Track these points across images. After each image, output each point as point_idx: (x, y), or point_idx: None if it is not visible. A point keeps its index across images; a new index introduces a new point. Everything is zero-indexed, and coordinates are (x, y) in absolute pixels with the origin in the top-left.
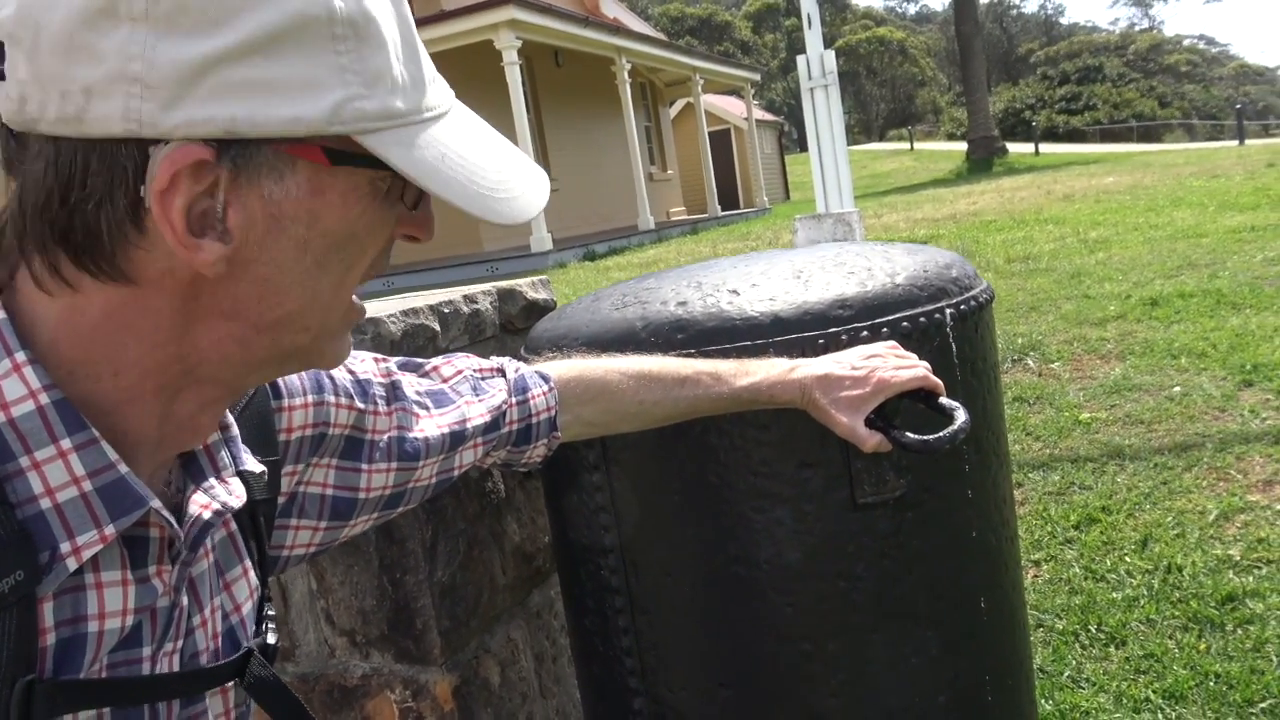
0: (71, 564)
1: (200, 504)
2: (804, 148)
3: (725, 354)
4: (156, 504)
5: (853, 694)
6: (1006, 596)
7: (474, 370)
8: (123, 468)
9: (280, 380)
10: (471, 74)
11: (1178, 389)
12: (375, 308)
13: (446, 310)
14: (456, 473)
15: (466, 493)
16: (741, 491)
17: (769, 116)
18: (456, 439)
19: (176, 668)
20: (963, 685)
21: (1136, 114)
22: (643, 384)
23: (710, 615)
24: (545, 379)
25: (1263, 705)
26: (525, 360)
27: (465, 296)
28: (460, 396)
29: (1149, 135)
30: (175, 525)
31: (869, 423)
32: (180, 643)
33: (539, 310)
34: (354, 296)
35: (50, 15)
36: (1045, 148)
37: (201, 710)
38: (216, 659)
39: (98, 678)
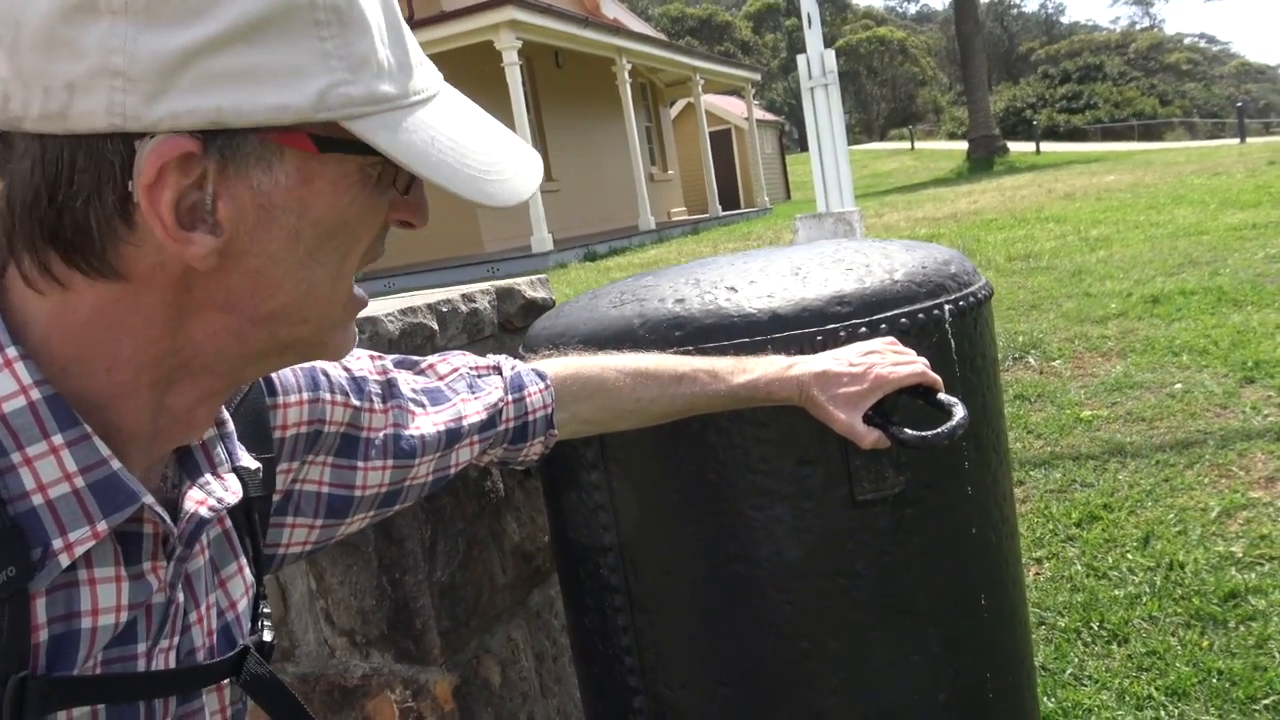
0: (64, 560)
1: (196, 500)
2: (805, 147)
3: (723, 351)
4: (149, 500)
5: (853, 692)
6: (1007, 593)
7: (470, 368)
8: (115, 464)
9: (275, 377)
10: (472, 75)
11: (1179, 386)
12: (373, 307)
13: (444, 309)
14: (453, 470)
15: (466, 492)
16: (741, 489)
17: (770, 116)
18: (452, 436)
19: (172, 664)
20: (963, 683)
21: (1137, 112)
22: (640, 381)
23: (710, 613)
24: (542, 376)
25: (1266, 702)
26: (523, 358)
27: (463, 295)
28: (456, 394)
29: (1150, 134)
30: (169, 521)
31: (867, 419)
32: (176, 639)
33: (537, 309)
34: (355, 286)
35: (30, 12)
36: (1046, 146)
37: (198, 708)
38: (212, 656)
39: (91, 674)
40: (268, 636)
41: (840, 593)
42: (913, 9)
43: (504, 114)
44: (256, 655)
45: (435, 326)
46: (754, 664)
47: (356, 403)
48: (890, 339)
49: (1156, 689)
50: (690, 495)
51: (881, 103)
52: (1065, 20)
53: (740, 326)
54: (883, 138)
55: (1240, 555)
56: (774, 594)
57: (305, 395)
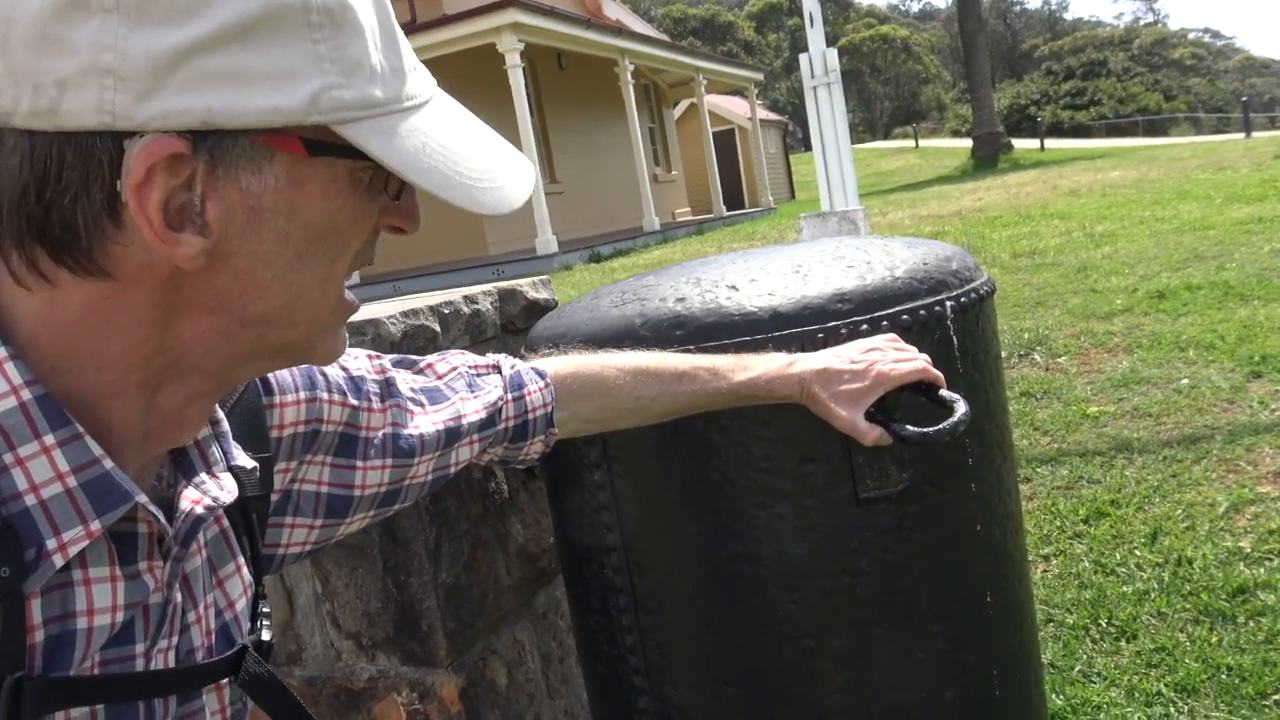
0: (58, 560)
1: (191, 499)
2: (809, 147)
3: (724, 350)
4: (142, 498)
5: (858, 690)
6: (1013, 590)
7: (469, 367)
8: (107, 463)
9: (272, 377)
10: (475, 77)
11: (1186, 381)
12: (376, 309)
13: (447, 311)
14: (453, 469)
15: (470, 494)
16: (743, 488)
17: (773, 116)
18: (452, 435)
19: (172, 664)
20: (970, 680)
21: (1142, 108)
22: (640, 380)
23: (714, 613)
24: (541, 375)
25: (1276, 697)
26: (523, 358)
27: (465, 297)
28: (455, 393)
29: (1155, 129)
30: (163, 520)
31: (869, 416)
32: (175, 639)
33: (540, 310)
34: (346, 291)
35: (22, 8)
36: (1050, 143)
37: (198, 708)
38: (211, 656)
39: (89, 675)
40: (266, 636)
41: (844, 591)
42: (915, 7)
43: (507, 116)
44: (255, 654)
45: (437, 328)
46: (758, 663)
47: (354, 402)
48: (892, 336)
49: (1165, 685)
50: (693, 494)
51: (885, 101)
52: (1068, 16)
53: (741, 325)
54: (887, 136)
55: (1249, 550)
56: (777, 593)
57: (302, 394)
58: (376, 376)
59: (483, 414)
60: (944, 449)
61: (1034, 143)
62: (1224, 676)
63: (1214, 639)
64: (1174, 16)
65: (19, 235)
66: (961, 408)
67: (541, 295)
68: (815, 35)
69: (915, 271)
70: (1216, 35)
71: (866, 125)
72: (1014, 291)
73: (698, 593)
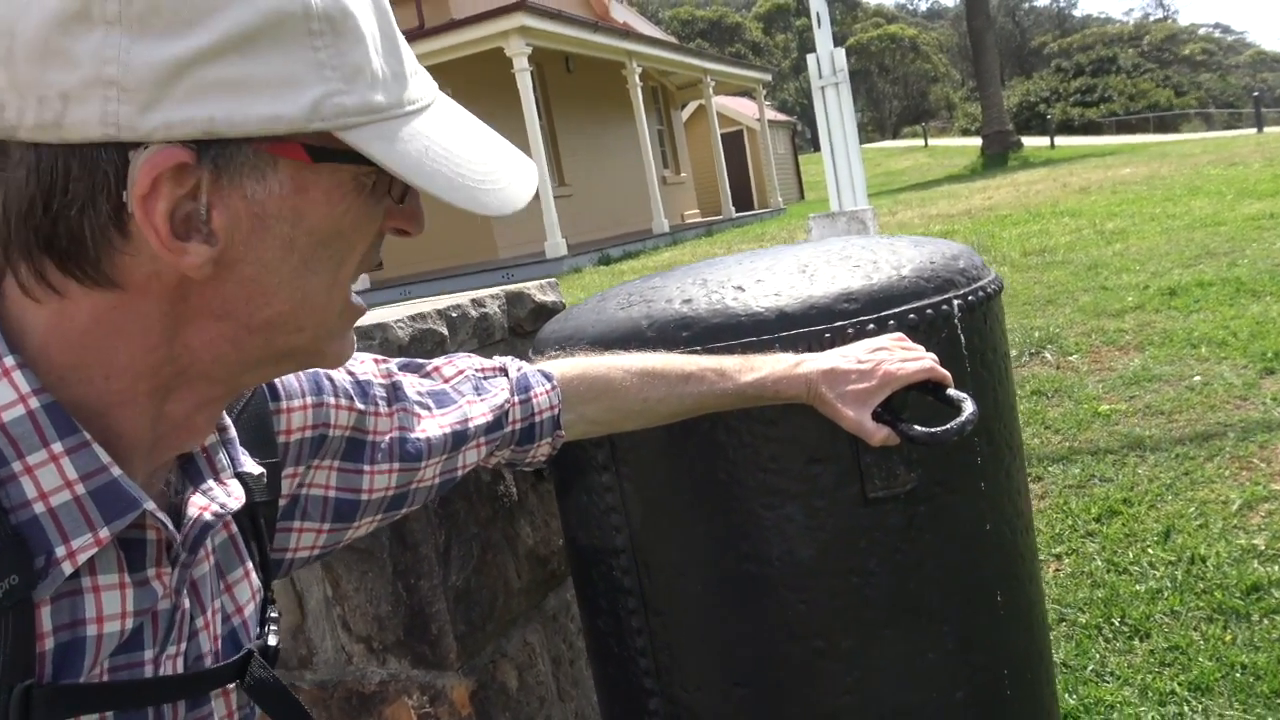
0: (67, 568)
1: (199, 506)
2: (818, 147)
3: (730, 350)
4: (150, 506)
5: (867, 691)
6: (1023, 589)
7: (476, 370)
8: (115, 470)
9: (278, 382)
10: (483, 81)
11: (1198, 378)
12: (383, 313)
13: (454, 314)
14: (460, 473)
15: (479, 496)
16: (751, 489)
17: (782, 117)
18: (459, 439)
19: (180, 670)
20: (980, 680)
21: (1152, 104)
22: (647, 381)
23: (723, 614)
24: (548, 377)
25: None
26: (530, 360)
27: (473, 300)
28: (462, 396)
29: (1166, 125)
30: (171, 527)
31: (876, 416)
32: (184, 645)
33: (548, 312)
34: (352, 295)
35: (24, 21)
36: (1061, 141)
37: (207, 713)
38: (218, 661)
39: (98, 682)
40: (273, 641)
41: (853, 591)
42: (923, 6)
43: (515, 120)
44: (260, 660)
45: (445, 332)
46: (767, 664)
47: (361, 406)
48: (899, 335)
49: (1179, 684)
50: (701, 495)
51: (894, 100)
52: (1077, 14)
53: (748, 325)
54: (895, 135)
55: (1263, 548)
56: (786, 593)
57: (309, 400)
58: (383, 380)
59: (489, 417)
60: (952, 448)
61: (1044, 140)
62: (1238, 675)
63: (1228, 637)
64: (1184, 12)
65: (27, 247)
66: (969, 407)
67: (549, 298)
68: (823, 35)
69: (922, 270)
70: (1227, 30)
71: (875, 125)
72: (1024, 290)
73: (707, 594)
